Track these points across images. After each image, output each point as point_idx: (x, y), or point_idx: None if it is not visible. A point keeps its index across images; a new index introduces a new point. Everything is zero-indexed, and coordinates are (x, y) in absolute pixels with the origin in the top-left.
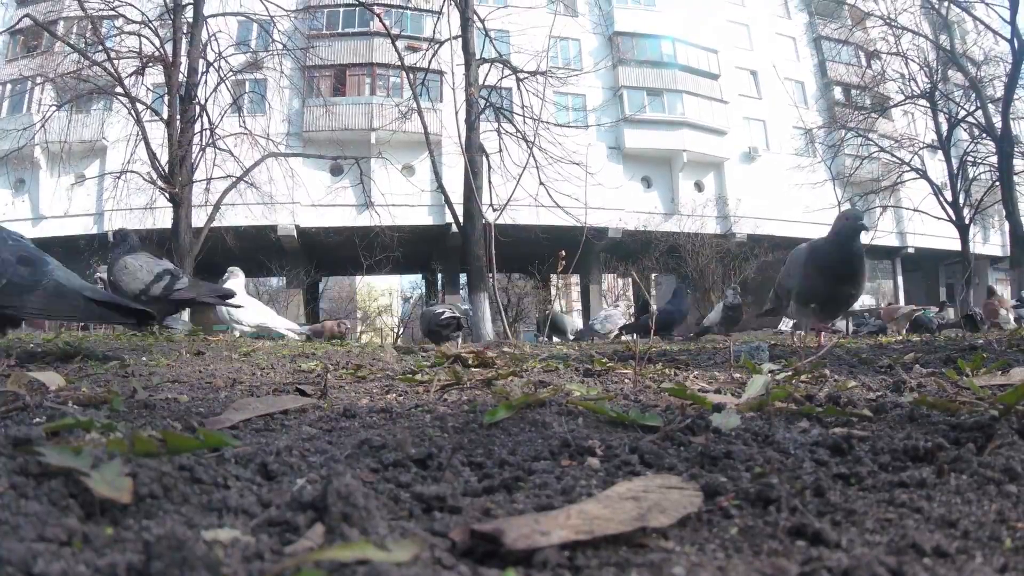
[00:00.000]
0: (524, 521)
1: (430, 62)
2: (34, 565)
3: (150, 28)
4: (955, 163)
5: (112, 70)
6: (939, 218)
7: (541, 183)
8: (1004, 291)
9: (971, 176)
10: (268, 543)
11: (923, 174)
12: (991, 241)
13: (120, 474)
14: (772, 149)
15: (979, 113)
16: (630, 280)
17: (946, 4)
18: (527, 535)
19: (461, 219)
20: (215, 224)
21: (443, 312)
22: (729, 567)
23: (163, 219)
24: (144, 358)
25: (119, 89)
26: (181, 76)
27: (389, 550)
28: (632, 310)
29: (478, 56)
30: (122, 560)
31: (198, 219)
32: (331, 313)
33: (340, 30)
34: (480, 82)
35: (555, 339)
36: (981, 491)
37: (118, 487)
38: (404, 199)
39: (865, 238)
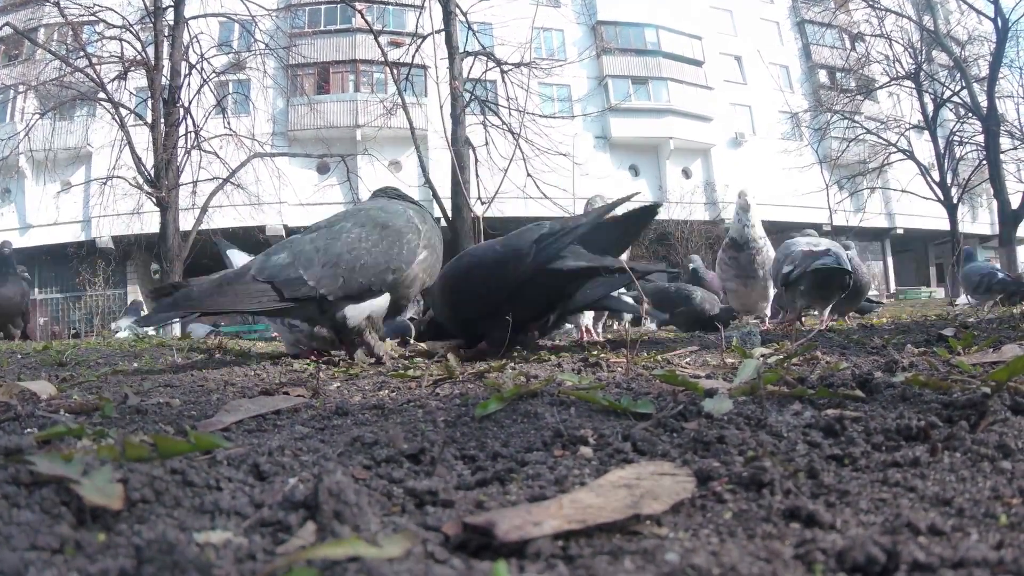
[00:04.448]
0: (516, 512)
1: (413, 57)
2: (27, 573)
3: (131, 32)
4: (942, 143)
5: (94, 76)
6: (927, 198)
7: (528, 175)
8: None
9: (958, 156)
10: (260, 543)
11: (910, 155)
12: (980, 220)
13: (111, 480)
14: (759, 134)
15: (964, 93)
16: None
17: None
18: (519, 526)
19: (450, 213)
20: (203, 227)
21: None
22: (723, 551)
23: (151, 223)
24: (135, 364)
25: (102, 94)
26: (164, 79)
27: (381, 546)
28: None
29: (462, 49)
30: (114, 566)
31: (186, 222)
32: None
33: (322, 28)
34: (464, 75)
35: None
36: (975, 468)
37: (109, 493)
38: None
39: (855, 219)
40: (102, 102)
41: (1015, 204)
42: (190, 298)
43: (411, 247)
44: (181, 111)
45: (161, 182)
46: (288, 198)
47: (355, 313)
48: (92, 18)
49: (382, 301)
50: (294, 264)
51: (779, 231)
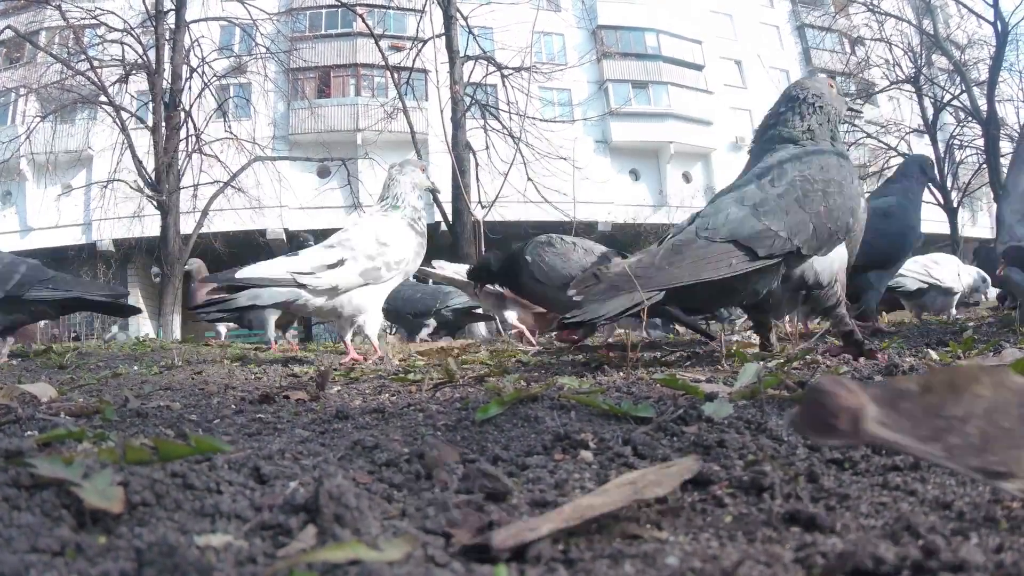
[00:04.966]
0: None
1: (414, 61)
2: None
3: (132, 36)
4: (942, 147)
5: (95, 79)
6: (927, 202)
7: (529, 179)
8: None
9: (958, 159)
10: (261, 547)
11: None
12: (980, 224)
13: (111, 483)
14: None
15: (964, 97)
16: None
17: None
18: (516, 533)
19: (450, 217)
20: (203, 230)
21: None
22: (723, 555)
23: (151, 227)
24: (136, 367)
25: (103, 98)
26: (165, 83)
27: (381, 549)
28: None
29: (462, 54)
30: (115, 568)
31: (186, 225)
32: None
33: (323, 32)
34: (465, 79)
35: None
36: None
37: (109, 496)
38: None
39: None
40: (103, 105)
41: None
42: (639, 276)
43: (855, 186)
44: (182, 114)
45: (162, 185)
46: (289, 202)
47: (824, 267)
48: (93, 21)
49: (842, 251)
50: (756, 214)
51: None
